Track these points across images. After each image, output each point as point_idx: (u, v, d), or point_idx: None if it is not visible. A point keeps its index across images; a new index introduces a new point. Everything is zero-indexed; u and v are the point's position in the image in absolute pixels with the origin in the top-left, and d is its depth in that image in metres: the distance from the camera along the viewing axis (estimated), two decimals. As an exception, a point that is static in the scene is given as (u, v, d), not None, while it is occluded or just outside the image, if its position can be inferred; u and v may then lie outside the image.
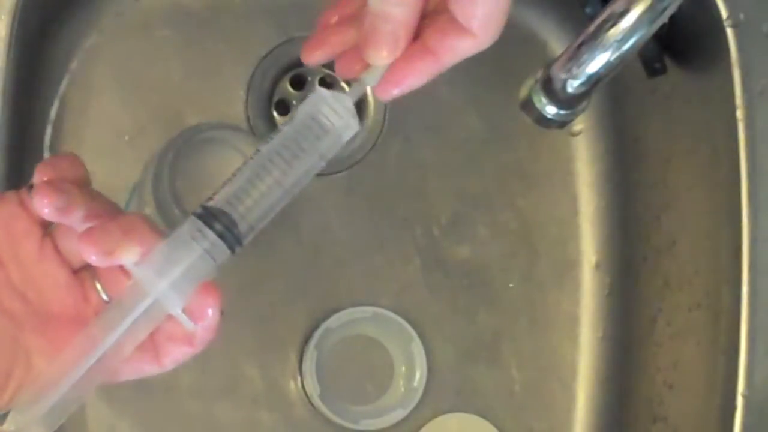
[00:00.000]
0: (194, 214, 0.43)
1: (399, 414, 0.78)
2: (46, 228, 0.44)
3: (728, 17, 0.67)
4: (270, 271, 0.78)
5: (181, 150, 0.72)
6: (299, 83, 0.80)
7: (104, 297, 0.45)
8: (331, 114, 0.45)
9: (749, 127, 0.66)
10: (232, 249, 0.44)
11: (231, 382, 0.77)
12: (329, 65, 0.80)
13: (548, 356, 0.81)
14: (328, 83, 0.80)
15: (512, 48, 0.81)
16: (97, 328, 0.42)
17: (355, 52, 0.46)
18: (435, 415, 0.79)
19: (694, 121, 0.72)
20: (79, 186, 0.43)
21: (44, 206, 0.42)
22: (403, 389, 0.79)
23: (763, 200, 0.66)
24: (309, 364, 0.77)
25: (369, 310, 0.78)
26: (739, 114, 0.67)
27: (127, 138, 0.76)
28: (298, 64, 0.80)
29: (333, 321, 0.77)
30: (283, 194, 0.44)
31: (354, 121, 0.46)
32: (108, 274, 0.45)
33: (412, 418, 0.79)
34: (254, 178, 0.44)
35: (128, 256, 0.42)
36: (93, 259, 0.41)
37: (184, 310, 0.43)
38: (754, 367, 0.66)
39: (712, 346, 0.69)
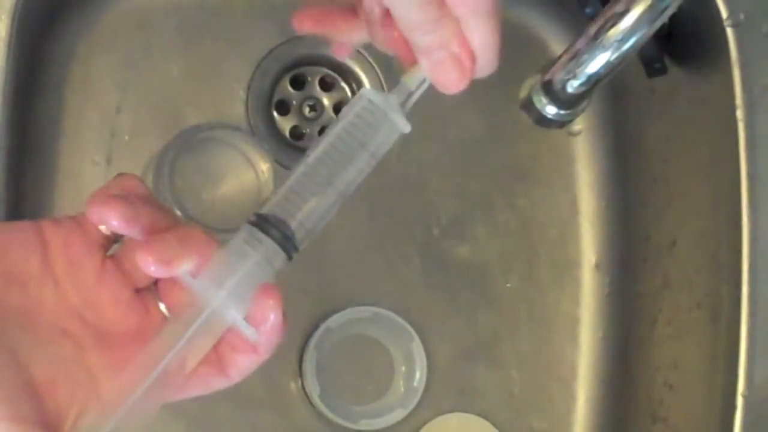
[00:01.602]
0: (249, 222, 0.43)
1: (399, 414, 0.78)
2: (106, 249, 0.44)
3: (728, 17, 0.67)
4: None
5: (181, 150, 0.72)
6: (299, 83, 0.80)
7: (167, 314, 0.45)
8: (378, 111, 0.45)
9: (749, 127, 0.66)
10: (288, 254, 0.44)
11: (231, 382, 0.77)
12: (329, 65, 0.80)
13: (548, 356, 0.81)
14: (328, 83, 0.80)
15: (512, 48, 0.81)
16: (157, 344, 0.42)
17: (350, 33, 0.46)
18: (435, 415, 0.79)
19: (694, 121, 0.72)
20: (143, 200, 0.43)
21: (112, 217, 0.42)
22: (403, 389, 0.79)
23: (763, 200, 0.66)
24: (309, 364, 0.77)
25: (369, 310, 0.78)
26: (739, 114, 0.67)
27: (127, 138, 0.76)
28: (298, 64, 0.80)
29: (333, 321, 0.77)
30: (337, 196, 0.44)
31: (402, 120, 0.45)
32: (170, 293, 0.44)
33: (412, 418, 0.79)
34: (307, 182, 0.44)
35: (185, 266, 0.42)
36: (151, 269, 0.41)
37: (245, 318, 0.42)
38: (754, 367, 0.66)
39: (712, 346, 0.69)
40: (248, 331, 0.43)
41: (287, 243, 0.44)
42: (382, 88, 0.79)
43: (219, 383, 0.45)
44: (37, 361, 0.40)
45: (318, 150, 0.44)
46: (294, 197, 0.44)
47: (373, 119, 0.45)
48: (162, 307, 0.45)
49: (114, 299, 0.44)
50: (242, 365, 0.45)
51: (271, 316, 0.43)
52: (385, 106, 0.45)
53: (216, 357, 0.44)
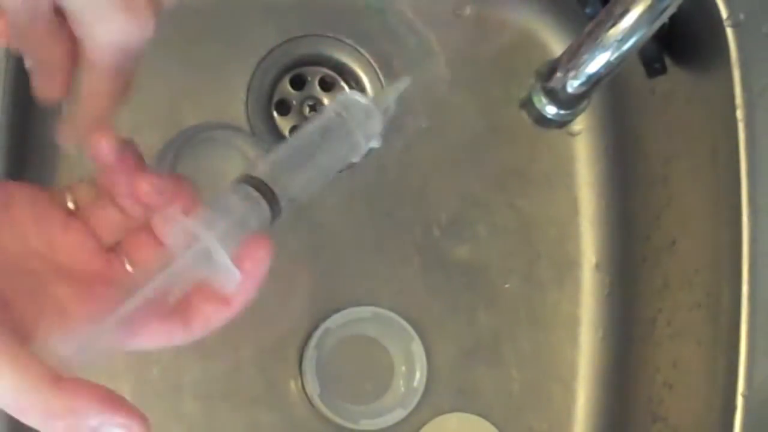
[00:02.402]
0: (237, 180, 0.44)
1: (399, 414, 0.78)
2: (68, 208, 0.45)
3: (728, 17, 0.67)
4: (270, 271, 0.78)
5: (181, 150, 0.72)
6: (299, 83, 0.80)
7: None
8: (365, 109, 0.47)
9: (749, 127, 0.66)
10: (274, 213, 0.44)
11: (231, 382, 0.77)
12: (329, 65, 0.80)
13: (548, 356, 0.81)
14: (328, 83, 0.80)
15: (512, 48, 0.81)
16: (140, 273, 0.42)
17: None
18: (435, 415, 0.79)
19: (694, 121, 0.72)
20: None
21: (102, 146, 0.43)
22: (403, 389, 0.79)
23: (763, 200, 0.66)
24: (309, 364, 0.77)
25: (369, 310, 0.78)
26: (739, 114, 0.67)
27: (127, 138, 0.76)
28: (298, 64, 0.80)
29: (333, 321, 0.77)
30: (318, 172, 0.46)
31: (379, 125, 0.48)
32: (137, 251, 0.45)
33: (412, 418, 0.79)
34: (292, 154, 0.45)
35: (178, 202, 0.43)
36: (146, 194, 0.42)
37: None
38: (754, 367, 0.66)
39: (712, 346, 0.69)
40: (231, 275, 0.42)
41: (273, 203, 0.44)
42: (382, 88, 0.80)
43: (179, 335, 0.44)
44: (2, 288, 0.40)
45: (305, 129, 0.46)
46: (279, 166, 0.45)
47: (358, 114, 0.47)
48: (128, 266, 0.45)
49: (79, 248, 0.44)
50: (209, 317, 0.44)
51: (259, 264, 0.43)
52: (370, 106, 0.47)
53: (183, 306, 0.44)
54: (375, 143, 0.48)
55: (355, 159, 0.48)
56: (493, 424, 0.80)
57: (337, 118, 0.47)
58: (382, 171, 0.80)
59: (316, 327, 0.77)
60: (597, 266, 0.81)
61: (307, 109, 0.80)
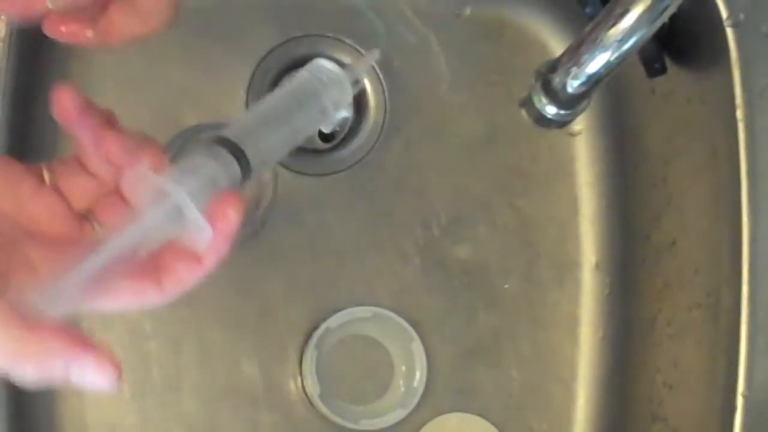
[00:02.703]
0: (207, 140, 0.44)
1: (399, 414, 0.78)
2: (42, 177, 0.45)
3: (728, 17, 0.67)
4: (270, 271, 0.78)
5: (181, 150, 0.72)
6: (299, 83, 0.80)
7: None
8: (333, 75, 0.48)
9: (749, 126, 0.66)
10: (243, 171, 0.44)
11: (231, 382, 0.77)
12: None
13: (548, 356, 0.81)
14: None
15: (512, 48, 0.81)
16: (110, 230, 0.42)
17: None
18: (435, 415, 0.79)
19: (694, 121, 0.72)
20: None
21: (65, 101, 0.43)
22: (403, 389, 0.79)
23: (763, 200, 0.66)
24: (309, 364, 0.77)
25: (369, 310, 0.78)
26: (739, 114, 0.67)
27: (127, 138, 0.76)
28: (298, 64, 0.80)
29: (333, 321, 0.77)
30: (288, 135, 0.46)
31: (349, 89, 0.48)
32: (108, 216, 0.45)
33: (412, 418, 0.79)
34: (263, 117, 0.46)
35: (145, 159, 0.43)
36: (112, 149, 0.42)
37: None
38: (754, 367, 0.66)
39: (712, 346, 0.69)
40: (203, 231, 0.42)
41: (243, 163, 0.44)
42: (382, 87, 0.80)
43: (151, 294, 0.43)
44: None
45: (275, 93, 0.47)
46: (247, 127, 0.45)
47: (327, 79, 0.48)
48: (97, 228, 0.45)
49: (49, 212, 0.44)
50: (181, 275, 0.43)
51: (230, 220, 0.42)
52: (339, 73, 0.48)
53: (154, 265, 0.43)
54: (344, 113, 0.48)
55: (325, 128, 0.49)
56: (493, 424, 0.80)
57: (306, 83, 0.47)
58: (382, 171, 0.80)
59: (316, 327, 0.77)
60: (597, 266, 0.81)
61: (307, 109, 0.80)
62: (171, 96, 0.77)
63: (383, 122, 0.80)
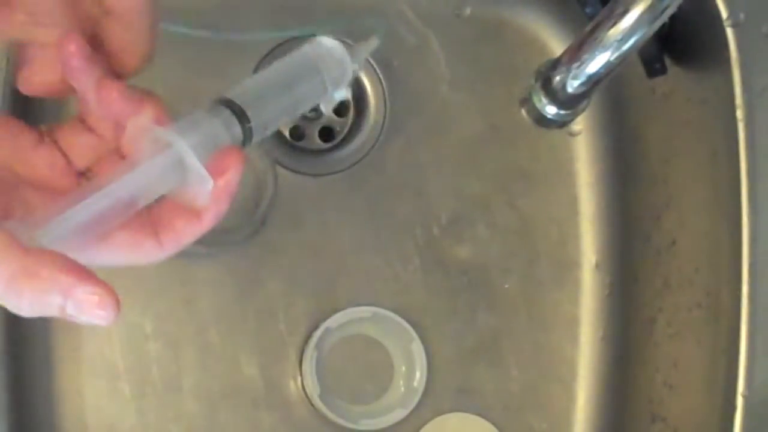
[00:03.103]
0: (211, 101, 0.44)
1: (399, 414, 0.78)
2: (42, 135, 0.45)
3: (728, 17, 0.67)
4: (270, 271, 0.78)
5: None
6: (299, 83, 0.80)
7: None
8: (335, 52, 0.48)
9: (749, 127, 0.66)
10: (245, 131, 0.44)
11: (231, 382, 0.77)
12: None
13: (548, 356, 0.81)
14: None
15: (512, 48, 0.81)
16: (108, 176, 0.41)
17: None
18: (435, 415, 0.79)
19: (694, 121, 0.72)
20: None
21: (70, 48, 0.42)
22: (403, 389, 0.79)
23: (763, 200, 0.66)
24: (309, 364, 0.77)
25: (369, 310, 0.78)
26: (739, 114, 0.67)
27: (127, 138, 0.76)
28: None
29: (333, 321, 0.77)
30: (289, 103, 0.46)
31: (352, 67, 0.48)
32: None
33: (412, 418, 0.79)
34: (265, 84, 0.46)
35: (148, 111, 0.42)
36: (113, 97, 0.42)
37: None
38: (754, 367, 0.66)
39: (712, 346, 0.69)
40: (204, 183, 0.42)
41: (245, 122, 0.44)
42: (382, 87, 0.80)
43: (150, 249, 0.43)
44: None
45: (278, 62, 0.47)
46: (250, 91, 0.45)
47: (329, 56, 0.48)
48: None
49: (49, 165, 0.44)
50: (180, 231, 0.43)
51: (230, 174, 0.42)
52: (341, 52, 0.48)
53: (153, 220, 0.43)
54: (341, 94, 0.48)
55: (324, 107, 0.48)
56: (493, 424, 0.80)
57: (307, 57, 0.47)
58: (382, 171, 0.80)
59: (316, 327, 0.77)
60: (597, 266, 0.81)
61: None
62: (171, 96, 0.77)
63: (383, 122, 0.80)
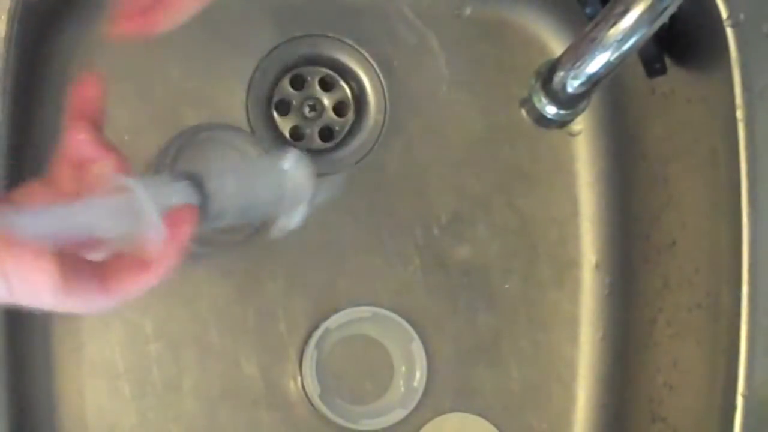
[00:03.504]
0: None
1: (399, 414, 0.78)
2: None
3: (728, 17, 0.67)
4: (270, 271, 0.78)
5: (181, 150, 0.72)
6: (299, 83, 0.80)
7: None
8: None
9: (749, 127, 0.66)
10: (202, 201, 0.46)
11: (231, 382, 0.77)
12: (329, 65, 0.80)
13: (548, 356, 0.81)
14: (328, 83, 0.80)
15: (512, 48, 0.81)
16: (68, 204, 0.43)
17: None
18: (435, 415, 0.79)
19: (694, 121, 0.72)
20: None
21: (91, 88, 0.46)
22: (403, 389, 0.79)
23: (763, 200, 0.66)
24: (309, 364, 0.77)
25: (369, 310, 0.78)
26: (739, 114, 0.67)
27: (126, 138, 0.76)
28: (298, 64, 0.80)
29: (333, 321, 0.77)
30: (250, 195, 0.49)
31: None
32: None
33: (412, 418, 0.79)
34: (231, 169, 0.49)
35: (113, 160, 0.45)
36: (83, 139, 0.45)
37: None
38: (754, 367, 0.66)
39: (712, 346, 0.69)
40: (156, 230, 0.43)
41: (203, 194, 0.47)
42: (382, 87, 0.80)
43: (98, 299, 0.43)
44: None
45: (250, 163, 0.54)
46: (216, 175, 0.49)
47: (296, 179, 0.52)
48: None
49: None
50: (128, 283, 0.44)
51: (183, 228, 0.44)
52: (304, 183, 0.52)
53: (101, 269, 0.44)
54: (294, 220, 0.50)
55: (281, 222, 0.51)
56: (493, 424, 0.80)
57: (278, 169, 0.50)
58: (382, 171, 0.80)
59: (316, 327, 0.77)
60: (597, 266, 0.81)
61: (307, 109, 0.80)
62: (171, 96, 0.77)
63: (383, 122, 0.80)
